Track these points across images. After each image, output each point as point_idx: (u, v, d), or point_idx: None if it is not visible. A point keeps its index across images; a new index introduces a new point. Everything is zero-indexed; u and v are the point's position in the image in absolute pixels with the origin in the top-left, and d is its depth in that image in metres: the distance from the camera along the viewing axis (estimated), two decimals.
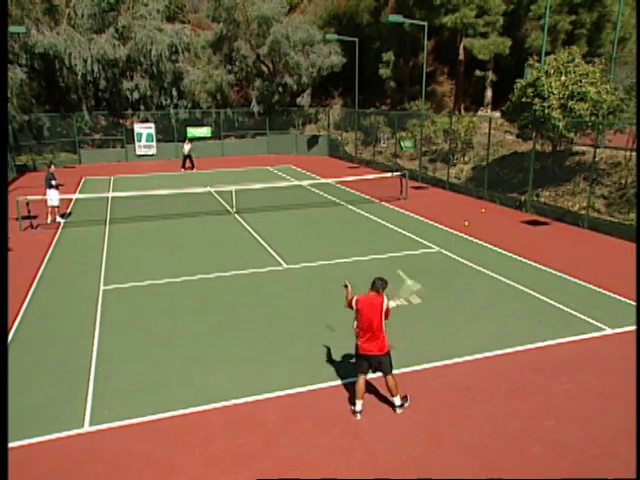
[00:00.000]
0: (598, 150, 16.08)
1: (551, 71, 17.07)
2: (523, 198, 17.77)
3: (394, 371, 6.71)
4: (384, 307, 6.41)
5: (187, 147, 28.41)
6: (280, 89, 33.31)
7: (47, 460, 5.93)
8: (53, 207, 16.85)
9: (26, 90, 29.23)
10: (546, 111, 16.42)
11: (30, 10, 28.80)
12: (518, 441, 6.12)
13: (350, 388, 7.15)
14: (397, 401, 6.67)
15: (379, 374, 6.77)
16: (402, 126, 26.80)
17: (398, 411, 6.67)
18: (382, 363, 6.56)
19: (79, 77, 29.80)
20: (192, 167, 28.43)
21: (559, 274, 11.49)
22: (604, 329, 8.85)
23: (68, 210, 18.48)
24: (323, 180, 22.27)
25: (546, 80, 16.74)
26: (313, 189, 21.83)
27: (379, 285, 6.46)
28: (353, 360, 7.87)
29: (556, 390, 7.13)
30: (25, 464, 5.85)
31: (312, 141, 33.84)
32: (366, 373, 6.64)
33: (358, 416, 6.57)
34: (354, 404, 6.66)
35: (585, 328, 8.89)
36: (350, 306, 6.55)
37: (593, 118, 16.43)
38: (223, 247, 14.07)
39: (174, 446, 6.12)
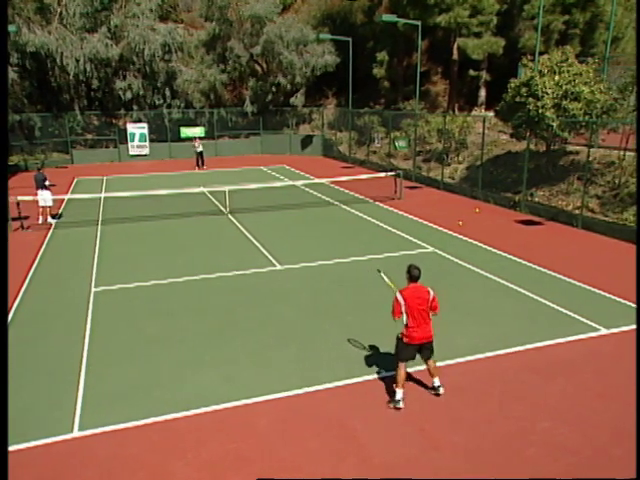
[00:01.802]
0: (592, 150, 16.10)
1: (545, 71, 17.07)
2: (517, 198, 17.77)
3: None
4: (431, 297, 6.63)
5: (198, 145, 28.48)
6: (274, 89, 33.18)
7: (35, 466, 5.83)
8: (45, 207, 16.73)
9: (17, 90, 29.04)
10: (540, 111, 16.41)
11: (21, 9, 28.59)
12: (513, 443, 6.06)
13: (344, 391, 7.10)
14: (437, 381, 6.92)
15: (368, 376, 6.70)
16: (396, 126, 26.76)
17: (441, 391, 6.91)
18: (430, 347, 6.77)
19: (71, 77, 29.60)
20: (196, 166, 28.28)
21: (553, 274, 11.47)
22: (599, 329, 8.82)
23: (60, 211, 18.33)
24: (317, 180, 22.20)
25: (540, 80, 16.73)
26: (307, 189, 21.75)
27: (418, 274, 6.68)
28: (340, 359, 7.81)
29: (551, 391, 7.08)
30: (13, 471, 5.73)
31: (306, 141, 33.75)
32: (408, 362, 6.78)
33: (401, 404, 6.64)
34: (394, 394, 6.70)
35: (580, 328, 8.86)
36: (399, 311, 6.55)
37: (587, 118, 16.45)
38: (216, 248, 13.96)
39: (165, 451, 6.03)
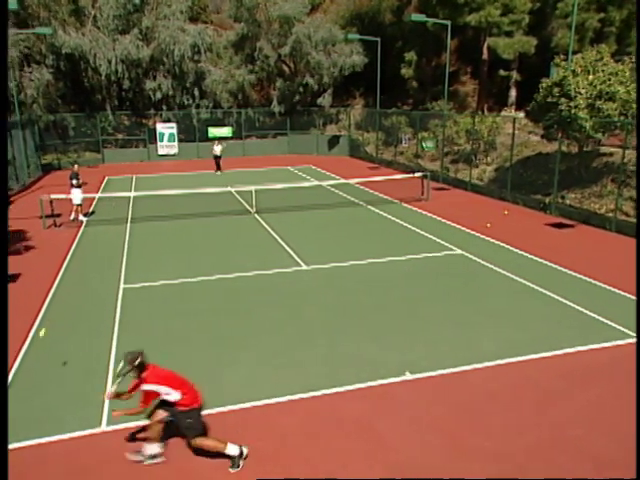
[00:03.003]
0: (627, 151, 15.64)
1: (578, 70, 16.67)
2: (547, 200, 17.39)
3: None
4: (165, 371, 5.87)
5: (218, 148, 27.17)
6: (301, 89, 33.27)
7: (64, 459, 5.92)
8: (77, 206, 17.04)
9: (52, 90, 29.71)
10: (573, 111, 16.05)
11: (57, 12, 29.29)
12: (542, 451, 5.92)
13: (370, 392, 7.05)
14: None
15: (392, 379, 6.61)
16: (424, 126, 26.54)
17: (245, 451, 5.84)
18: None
19: (103, 77, 30.20)
20: (217, 169, 27.49)
21: (584, 278, 11.17)
22: (632, 336, 8.55)
23: (91, 209, 18.69)
24: (343, 180, 22.15)
25: (573, 79, 16.35)
26: (333, 189, 21.71)
27: (144, 360, 5.71)
28: (365, 360, 7.74)
29: (584, 398, 6.89)
30: (42, 463, 5.86)
31: (333, 141, 33.72)
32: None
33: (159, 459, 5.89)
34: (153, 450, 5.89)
35: (612, 334, 8.60)
36: (152, 397, 5.61)
37: (622, 118, 16.00)
38: (242, 247, 14.03)
39: (189, 449, 6.06)
